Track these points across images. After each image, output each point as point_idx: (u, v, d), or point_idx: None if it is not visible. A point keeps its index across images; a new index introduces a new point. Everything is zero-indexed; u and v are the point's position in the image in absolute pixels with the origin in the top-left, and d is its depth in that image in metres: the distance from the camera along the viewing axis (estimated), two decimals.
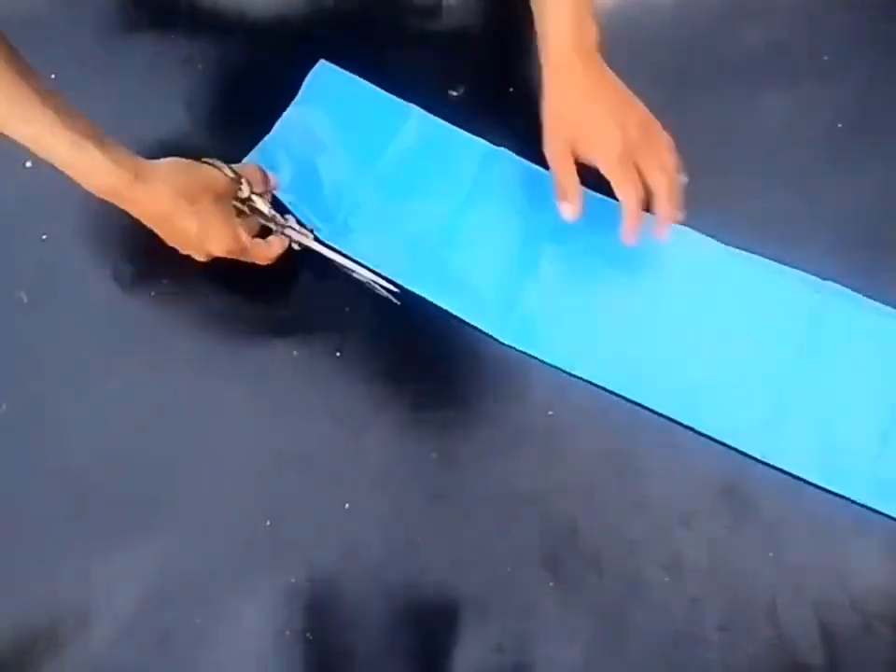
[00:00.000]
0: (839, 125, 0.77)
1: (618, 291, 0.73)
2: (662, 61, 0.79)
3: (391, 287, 0.72)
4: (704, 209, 0.74)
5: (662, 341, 0.71)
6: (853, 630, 0.63)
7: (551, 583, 0.65)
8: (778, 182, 0.76)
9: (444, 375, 0.71)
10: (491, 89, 0.80)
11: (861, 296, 0.71)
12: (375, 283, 0.72)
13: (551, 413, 0.70)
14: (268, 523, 0.67)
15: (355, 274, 0.72)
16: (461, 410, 0.70)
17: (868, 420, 0.68)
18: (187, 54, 0.82)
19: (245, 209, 0.70)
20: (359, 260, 0.73)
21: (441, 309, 0.73)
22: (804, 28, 0.80)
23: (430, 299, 0.73)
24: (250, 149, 0.77)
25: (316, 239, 0.73)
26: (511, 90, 0.79)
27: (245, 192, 0.68)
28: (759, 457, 0.67)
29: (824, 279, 0.71)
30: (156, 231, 0.67)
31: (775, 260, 0.72)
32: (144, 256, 0.75)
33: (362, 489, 0.68)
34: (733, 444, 0.68)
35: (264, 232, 0.72)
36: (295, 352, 0.72)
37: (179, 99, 0.79)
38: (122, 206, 0.64)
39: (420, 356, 0.72)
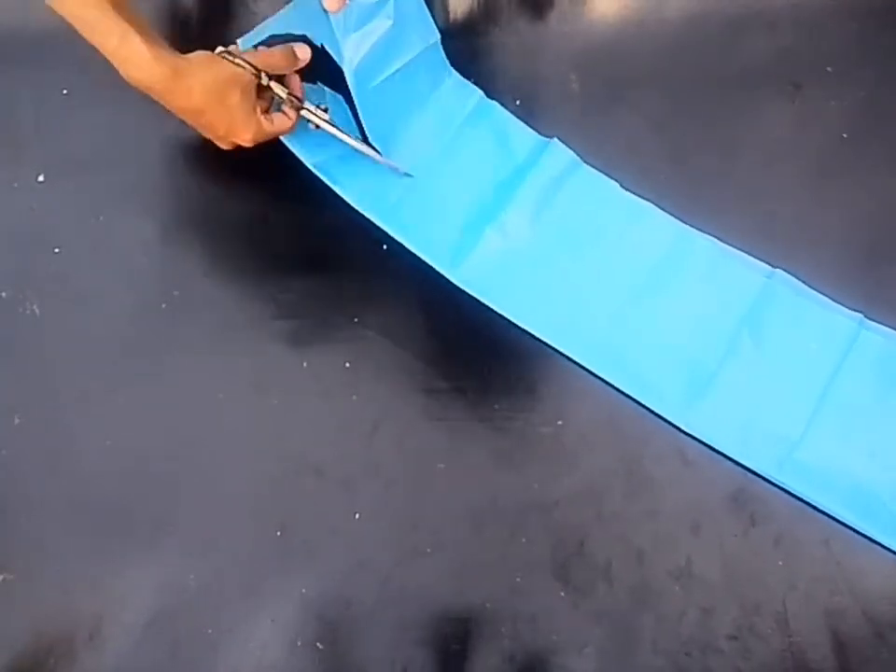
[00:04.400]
0: (844, 135, 0.78)
1: (575, 253, 0.75)
2: (667, 70, 0.80)
3: (397, 166, 0.76)
4: (708, 216, 0.75)
5: (608, 304, 0.73)
6: (865, 639, 0.63)
7: (561, 593, 0.65)
8: (784, 192, 0.76)
9: (453, 386, 0.71)
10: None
11: (808, 287, 0.72)
12: (384, 162, 0.76)
13: (560, 422, 0.70)
14: (278, 533, 0.67)
15: (365, 153, 0.75)
16: (469, 420, 0.70)
17: (794, 406, 0.69)
18: None
19: (265, 93, 0.72)
20: (373, 145, 0.75)
21: (448, 319, 0.73)
22: (808, 38, 0.80)
23: (391, 232, 0.75)
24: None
25: (330, 121, 0.74)
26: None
27: (264, 80, 0.70)
28: (682, 427, 0.68)
29: (829, 290, 0.72)
30: (187, 122, 0.70)
31: (780, 268, 0.73)
32: (155, 267, 0.75)
33: (372, 499, 0.68)
34: (658, 411, 0.69)
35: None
36: (305, 363, 0.72)
37: None
38: (158, 99, 0.67)
39: (428, 366, 0.72)
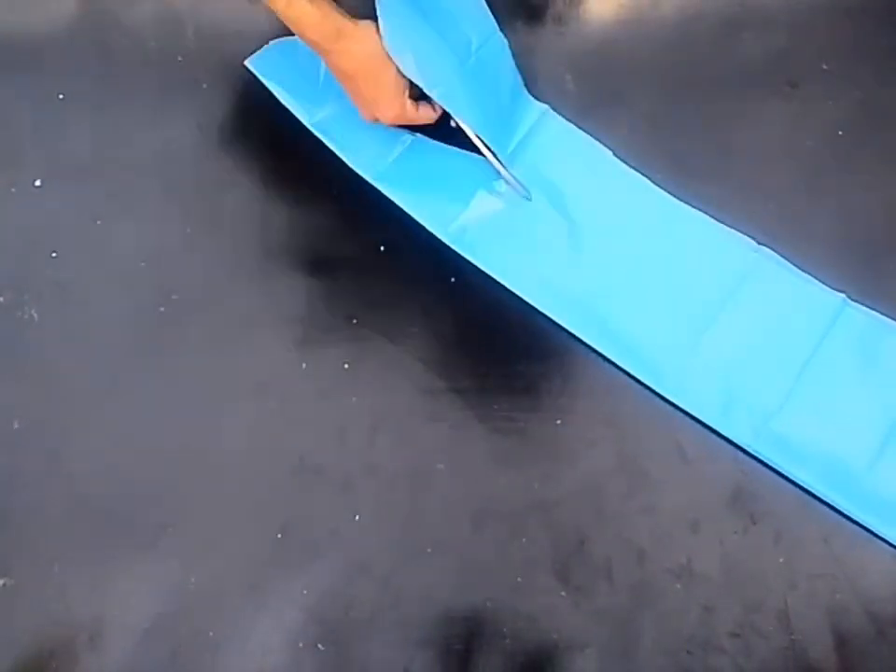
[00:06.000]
0: (840, 133, 0.78)
1: (565, 219, 0.76)
2: (664, 69, 0.80)
3: (520, 188, 0.75)
4: (703, 213, 0.75)
5: (594, 268, 0.74)
6: (866, 636, 0.63)
7: (562, 592, 0.65)
8: (780, 189, 0.76)
9: (451, 386, 0.71)
10: None
11: (792, 265, 0.73)
12: (508, 177, 0.75)
13: (559, 422, 0.70)
14: (279, 534, 0.67)
15: (491, 162, 0.75)
16: (469, 420, 0.70)
17: (774, 377, 0.70)
18: (194, 75, 0.83)
19: None
20: (498, 157, 0.75)
21: (447, 319, 0.73)
22: (804, 37, 0.81)
23: (385, 192, 0.76)
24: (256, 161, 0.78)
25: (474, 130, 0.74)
26: None
27: None
28: (666, 396, 0.69)
29: (826, 286, 0.72)
30: (341, 84, 0.71)
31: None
32: (153, 271, 0.75)
33: (372, 500, 0.68)
34: (644, 380, 0.70)
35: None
36: (304, 364, 0.72)
37: (189, 118, 0.80)
38: (321, 56, 0.69)
39: (427, 367, 0.72)
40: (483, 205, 0.76)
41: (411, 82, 0.70)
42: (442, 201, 0.76)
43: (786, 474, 0.67)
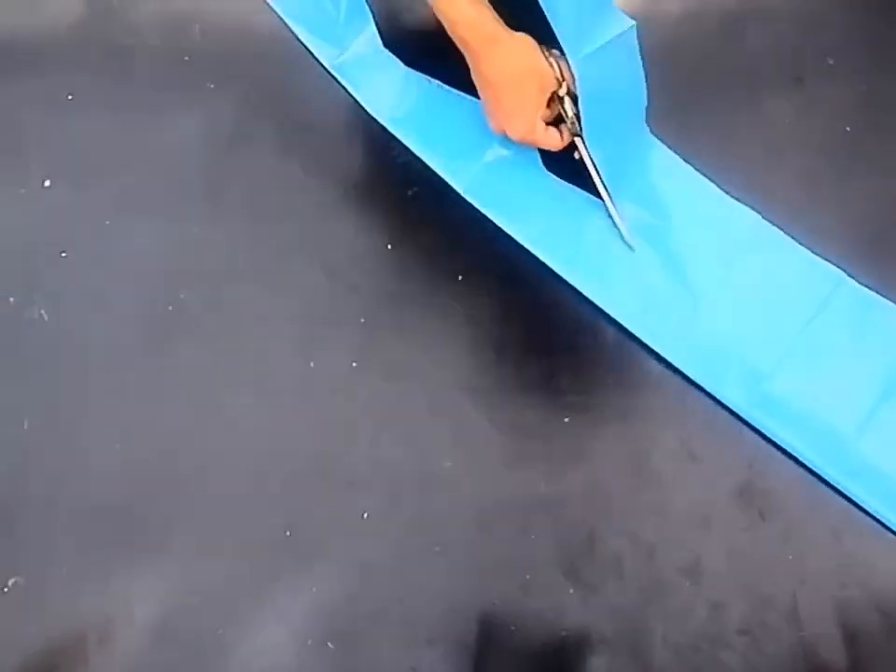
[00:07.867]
0: (847, 128, 0.78)
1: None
2: (668, 65, 0.79)
3: (629, 237, 0.74)
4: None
5: (596, 226, 0.75)
6: (876, 630, 0.63)
7: (571, 590, 0.65)
8: (786, 186, 0.76)
9: (458, 384, 0.71)
10: None
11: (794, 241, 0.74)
12: (618, 223, 0.74)
13: (567, 419, 0.70)
14: (287, 533, 0.67)
15: (606, 203, 0.74)
16: (476, 418, 0.70)
17: (770, 341, 0.71)
18: (201, 75, 0.83)
19: (555, 104, 0.71)
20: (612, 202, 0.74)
21: (454, 318, 0.73)
22: (809, 32, 0.80)
23: (400, 137, 0.77)
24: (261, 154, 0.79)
25: (595, 164, 0.73)
26: None
27: (562, 92, 0.70)
28: (661, 353, 0.70)
29: None
30: (478, 89, 0.71)
31: None
32: (161, 270, 0.76)
33: (380, 498, 0.68)
34: (652, 346, 0.71)
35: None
36: (311, 363, 0.72)
37: (195, 117, 0.81)
38: (470, 60, 0.68)
39: (435, 365, 0.72)
40: (496, 155, 0.76)
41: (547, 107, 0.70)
42: (457, 150, 0.76)
43: (774, 439, 0.67)
